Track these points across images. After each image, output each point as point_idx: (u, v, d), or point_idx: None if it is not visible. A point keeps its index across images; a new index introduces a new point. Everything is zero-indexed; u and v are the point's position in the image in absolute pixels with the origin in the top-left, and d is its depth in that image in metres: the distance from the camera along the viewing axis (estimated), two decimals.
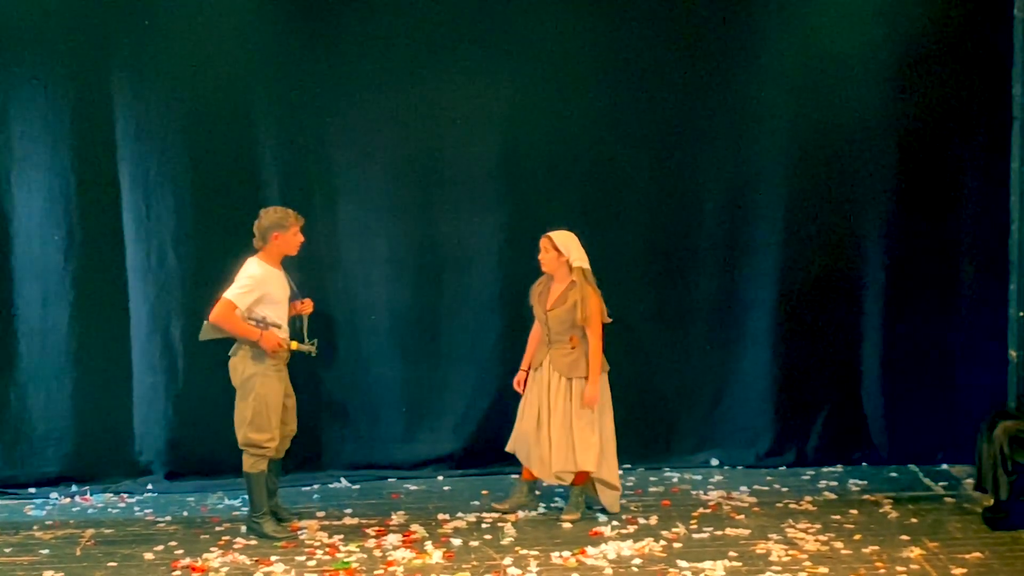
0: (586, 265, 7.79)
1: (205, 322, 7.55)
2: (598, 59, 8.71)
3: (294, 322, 7.76)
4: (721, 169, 8.84)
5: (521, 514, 8.01)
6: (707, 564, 7.06)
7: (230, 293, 7.49)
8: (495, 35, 8.65)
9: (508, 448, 8.08)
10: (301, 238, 7.67)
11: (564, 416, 7.82)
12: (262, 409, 7.56)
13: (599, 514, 7.96)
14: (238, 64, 8.54)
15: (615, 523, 7.80)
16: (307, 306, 7.80)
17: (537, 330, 8.00)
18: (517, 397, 8.06)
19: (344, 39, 8.58)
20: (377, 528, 7.79)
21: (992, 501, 7.77)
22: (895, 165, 8.85)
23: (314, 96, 8.61)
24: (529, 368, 8.01)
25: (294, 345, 7.67)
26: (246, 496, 8.30)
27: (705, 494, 8.43)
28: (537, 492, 8.16)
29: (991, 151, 8.71)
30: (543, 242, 7.81)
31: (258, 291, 7.51)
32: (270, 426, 7.59)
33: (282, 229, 7.57)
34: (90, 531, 7.87)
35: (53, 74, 8.42)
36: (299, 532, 7.74)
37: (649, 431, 9.00)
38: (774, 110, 8.80)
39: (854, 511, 8.02)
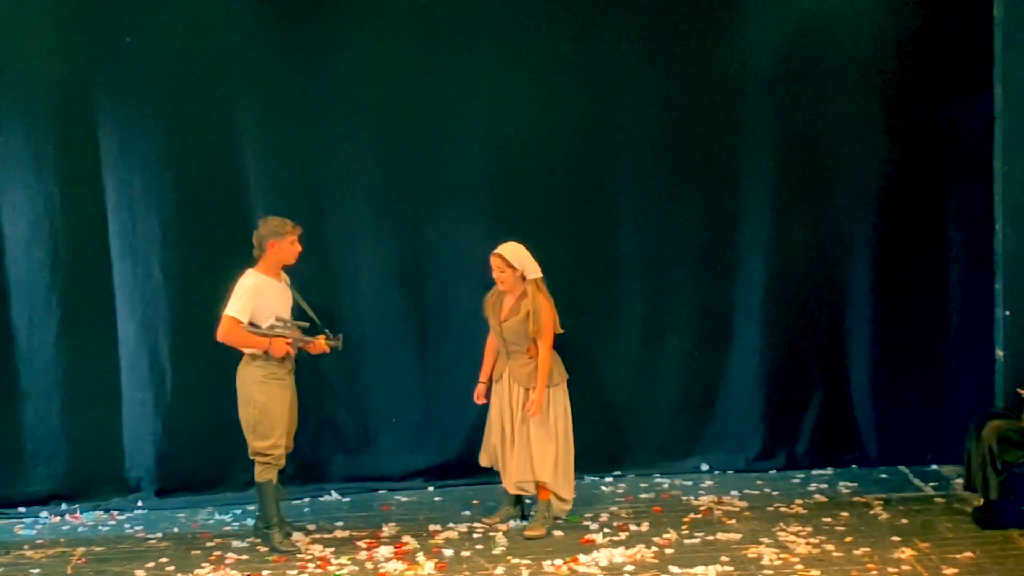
0: (539, 275, 7.76)
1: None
2: (583, 67, 8.70)
3: (309, 320, 7.77)
4: (706, 175, 8.83)
5: (512, 524, 8.01)
6: (699, 569, 7.07)
7: (230, 309, 7.50)
8: (480, 45, 8.64)
9: (482, 462, 8.10)
10: (298, 247, 7.67)
11: (524, 426, 7.81)
12: (263, 417, 7.57)
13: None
14: (221, 78, 8.52)
15: (606, 530, 7.81)
16: (316, 347, 7.76)
17: (492, 341, 7.98)
18: None
19: (327, 52, 8.57)
20: (368, 540, 7.79)
21: (982, 501, 7.78)
22: (880, 167, 8.86)
23: (298, 109, 8.59)
24: (489, 380, 8.01)
25: (321, 341, 7.70)
26: (237, 511, 8.35)
27: (696, 499, 8.43)
28: (527, 501, 8.15)
29: (975, 152, 8.72)
30: (495, 261, 7.72)
31: (254, 301, 7.52)
32: (273, 433, 7.58)
33: (278, 237, 7.58)
34: (81, 549, 7.85)
35: (36, 92, 8.40)
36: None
37: (638, 437, 9.01)
38: (758, 115, 8.80)
39: (845, 513, 8.03)
